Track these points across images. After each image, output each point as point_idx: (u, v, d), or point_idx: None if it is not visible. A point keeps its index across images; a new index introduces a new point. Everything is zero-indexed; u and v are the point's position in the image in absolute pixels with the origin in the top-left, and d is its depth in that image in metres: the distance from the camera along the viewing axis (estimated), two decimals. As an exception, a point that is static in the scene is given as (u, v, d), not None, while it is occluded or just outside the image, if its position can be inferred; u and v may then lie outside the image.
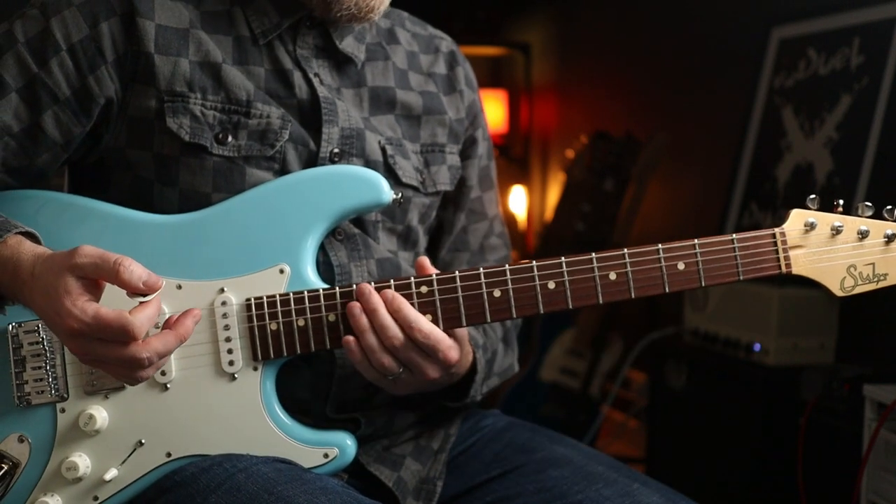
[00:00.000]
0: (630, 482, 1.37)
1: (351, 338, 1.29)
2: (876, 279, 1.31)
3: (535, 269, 1.30)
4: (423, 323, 1.29)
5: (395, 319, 1.29)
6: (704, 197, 3.34)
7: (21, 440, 1.30)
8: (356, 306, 1.29)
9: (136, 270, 1.16)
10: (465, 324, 1.31)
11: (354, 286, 1.30)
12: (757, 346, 2.41)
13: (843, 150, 2.52)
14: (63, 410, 1.29)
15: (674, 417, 2.75)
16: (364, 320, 1.29)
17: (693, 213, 3.45)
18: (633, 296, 1.31)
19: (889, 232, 1.31)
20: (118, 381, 1.29)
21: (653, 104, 3.77)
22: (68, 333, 1.16)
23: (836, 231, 1.31)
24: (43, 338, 1.29)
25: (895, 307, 2.34)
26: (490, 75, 5.18)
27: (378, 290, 1.30)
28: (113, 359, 1.17)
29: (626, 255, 1.30)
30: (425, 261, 1.34)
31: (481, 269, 1.31)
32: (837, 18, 2.63)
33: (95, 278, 1.17)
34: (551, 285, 1.30)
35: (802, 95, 2.70)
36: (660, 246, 1.30)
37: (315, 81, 1.40)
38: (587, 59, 4.37)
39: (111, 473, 1.28)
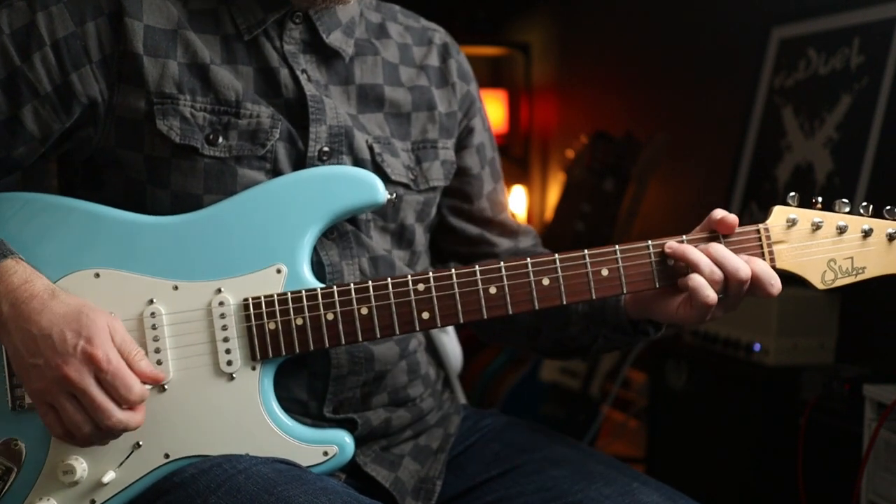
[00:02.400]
0: (630, 481, 1.37)
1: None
2: (855, 272, 1.35)
3: (529, 265, 1.32)
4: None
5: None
6: (704, 197, 3.34)
7: (15, 444, 1.29)
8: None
9: (147, 364, 1.25)
10: (462, 320, 1.32)
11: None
12: (757, 346, 2.41)
13: (843, 150, 2.51)
14: None
15: (674, 417, 2.75)
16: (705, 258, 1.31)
17: (693, 213, 3.44)
18: (624, 291, 1.34)
19: (865, 227, 1.35)
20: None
21: (653, 104, 3.76)
22: (80, 352, 1.19)
23: (816, 227, 1.35)
24: (37, 341, 1.28)
25: (895, 307, 2.34)
26: (490, 75, 5.17)
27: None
28: (91, 401, 1.20)
29: (618, 252, 1.33)
30: (724, 215, 1.34)
31: (477, 266, 1.32)
32: (837, 18, 2.63)
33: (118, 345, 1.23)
34: (545, 281, 1.32)
35: (802, 95, 2.70)
36: (649, 242, 1.34)
37: (302, 79, 1.39)
38: (587, 59, 4.37)
39: (109, 476, 1.28)
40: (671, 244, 1.33)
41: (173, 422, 1.29)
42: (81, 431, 1.22)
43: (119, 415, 1.21)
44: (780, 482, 2.31)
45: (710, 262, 1.30)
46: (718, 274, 1.30)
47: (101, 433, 1.23)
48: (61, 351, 1.19)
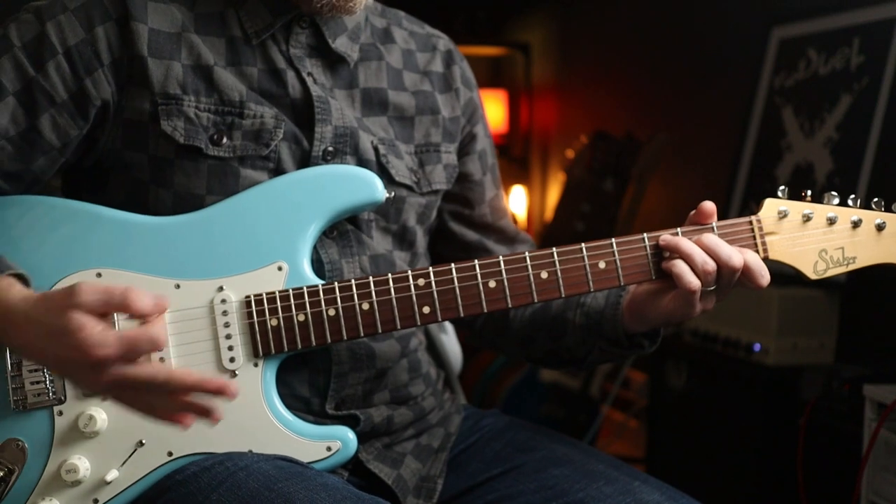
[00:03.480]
0: (631, 480, 1.37)
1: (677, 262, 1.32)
2: (846, 262, 1.38)
3: (527, 259, 1.33)
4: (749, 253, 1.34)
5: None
6: (704, 197, 3.31)
7: (17, 444, 1.28)
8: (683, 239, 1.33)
9: (144, 296, 1.13)
10: (462, 314, 1.33)
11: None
12: (757, 346, 2.41)
13: (843, 150, 2.52)
14: (60, 413, 1.29)
15: (674, 417, 2.75)
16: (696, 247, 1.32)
17: (693, 213, 3.45)
18: (621, 283, 1.35)
19: (854, 218, 1.38)
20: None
21: (653, 104, 3.77)
22: (95, 365, 1.11)
23: (807, 218, 1.37)
24: (40, 340, 1.28)
25: (895, 307, 2.34)
26: (490, 75, 5.18)
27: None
28: (146, 379, 1.13)
29: (614, 245, 1.34)
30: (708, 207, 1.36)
31: (476, 261, 1.33)
32: (837, 18, 2.63)
33: (104, 312, 1.14)
34: (544, 275, 1.34)
35: (802, 95, 2.71)
36: (644, 235, 1.35)
37: (308, 80, 1.40)
38: (587, 59, 4.37)
39: (112, 475, 1.28)
40: (665, 237, 1.34)
41: (176, 420, 1.30)
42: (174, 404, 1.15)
43: (162, 367, 1.16)
44: (780, 482, 2.32)
45: (702, 252, 1.32)
46: (711, 265, 1.31)
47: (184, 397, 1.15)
48: (79, 371, 1.13)
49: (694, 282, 1.31)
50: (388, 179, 1.43)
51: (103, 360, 1.11)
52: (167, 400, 1.14)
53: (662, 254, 1.35)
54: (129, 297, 1.12)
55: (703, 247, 1.32)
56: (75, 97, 1.32)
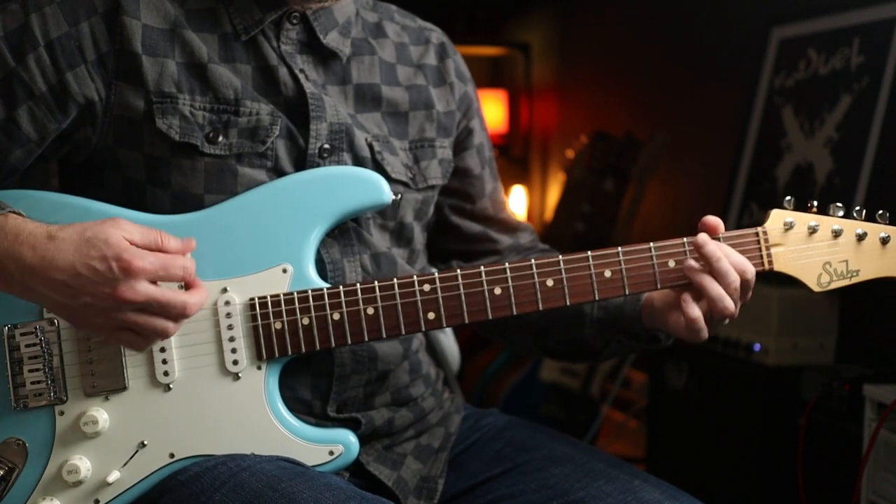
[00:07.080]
0: (631, 479, 1.37)
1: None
2: (849, 275, 1.38)
3: (533, 267, 1.33)
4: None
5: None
6: (704, 197, 3.34)
7: (18, 443, 1.28)
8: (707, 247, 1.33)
9: (174, 240, 1.23)
10: (467, 321, 1.33)
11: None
12: (757, 346, 2.41)
13: (843, 150, 2.52)
14: (62, 413, 1.29)
15: (674, 417, 2.75)
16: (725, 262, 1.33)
17: (693, 213, 3.44)
18: (627, 292, 1.35)
19: (859, 231, 1.38)
20: (118, 383, 1.29)
21: (653, 104, 3.77)
22: (120, 271, 1.17)
23: (813, 230, 1.38)
24: (41, 339, 1.28)
25: (895, 308, 2.35)
26: (490, 75, 5.18)
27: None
28: (161, 303, 1.20)
29: (621, 254, 1.34)
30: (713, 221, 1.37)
31: (482, 267, 1.33)
32: (837, 18, 2.63)
33: (141, 242, 1.21)
34: (550, 283, 1.33)
35: (802, 95, 2.71)
36: (651, 244, 1.35)
37: (301, 77, 1.40)
38: (587, 59, 4.37)
39: (113, 476, 1.27)
40: (704, 237, 1.34)
41: (178, 421, 1.30)
42: (168, 332, 1.23)
43: (190, 298, 1.23)
44: (780, 482, 2.32)
45: (732, 270, 1.33)
46: (734, 275, 1.33)
47: (180, 322, 1.24)
48: (102, 280, 1.17)
49: (730, 307, 1.34)
50: (384, 176, 1.42)
51: (138, 271, 1.18)
52: (172, 322, 1.23)
53: (668, 264, 1.35)
54: (162, 236, 1.23)
55: (731, 262, 1.34)
56: (54, 90, 1.31)
